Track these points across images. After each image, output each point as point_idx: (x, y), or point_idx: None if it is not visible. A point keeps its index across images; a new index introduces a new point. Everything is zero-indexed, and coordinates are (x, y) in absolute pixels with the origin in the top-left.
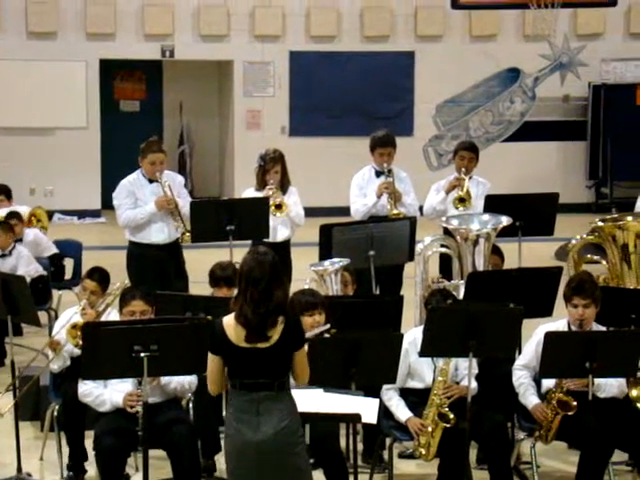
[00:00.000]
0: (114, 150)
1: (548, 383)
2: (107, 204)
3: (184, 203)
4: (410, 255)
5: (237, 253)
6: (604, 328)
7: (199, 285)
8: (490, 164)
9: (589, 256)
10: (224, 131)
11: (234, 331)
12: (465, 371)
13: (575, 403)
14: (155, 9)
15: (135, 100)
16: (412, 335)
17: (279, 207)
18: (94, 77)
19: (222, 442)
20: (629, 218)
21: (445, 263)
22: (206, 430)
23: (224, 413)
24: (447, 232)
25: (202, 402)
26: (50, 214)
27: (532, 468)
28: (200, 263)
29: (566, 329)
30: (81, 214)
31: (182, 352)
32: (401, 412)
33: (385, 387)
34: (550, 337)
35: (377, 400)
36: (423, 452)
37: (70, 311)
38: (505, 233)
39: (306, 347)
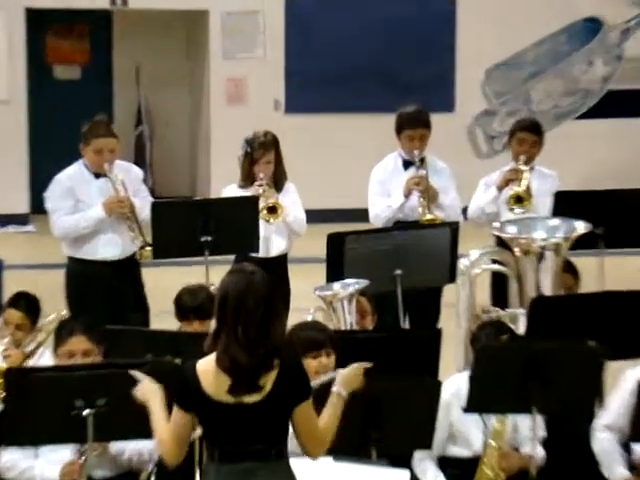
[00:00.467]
0: (47, 133)
1: None
2: (37, 207)
3: (143, 205)
4: (451, 275)
5: (215, 273)
6: None
7: (163, 317)
8: (560, 149)
9: None
10: (196, 107)
11: (213, 381)
12: (527, 433)
13: None
14: None
15: (75, 65)
16: (454, 384)
17: (272, 210)
18: (18, 33)
19: None
20: None
21: (499, 285)
22: None
23: None
24: (501, 243)
25: (167, 477)
26: None
27: None
28: (165, 287)
29: None
30: (1, 221)
31: (139, 409)
32: None
33: (418, 455)
34: None
35: (407, 473)
36: None
37: None
38: (581, 244)
39: (338, 412)
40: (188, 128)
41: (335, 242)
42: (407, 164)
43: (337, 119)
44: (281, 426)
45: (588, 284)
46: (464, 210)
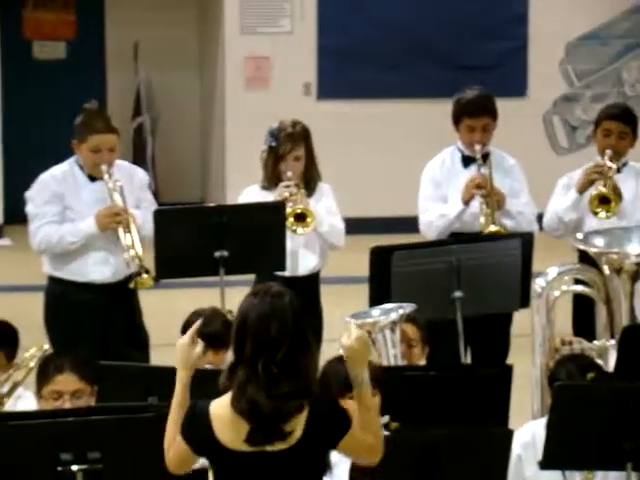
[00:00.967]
0: (25, 127)
1: None
2: (13, 217)
3: (145, 218)
4: (523, 298)
5: (232, 296)
6: None
7: (167, 350)
8: None
9: None
10: (208, 92)
11: (229, 426)
12: None
13: None
14: None
15: (59, 41)
16: (528, 433)
17: (302, 218)
18: None
19: None
20: None
21: (583, 311)
22: None
23: None
24: (586, 258)
25: None
26: None
27: None
28: (169, 314)
29: None
30: None
31: (141, 464)
32: None
33: None
34: None
35: None
36: None
37: None
38: None
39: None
40: (198, 118)
41: (380, 259)
42: (468, 161)
43: (380, 106)
44: (313, 475)
45: None
46: (539, 218)
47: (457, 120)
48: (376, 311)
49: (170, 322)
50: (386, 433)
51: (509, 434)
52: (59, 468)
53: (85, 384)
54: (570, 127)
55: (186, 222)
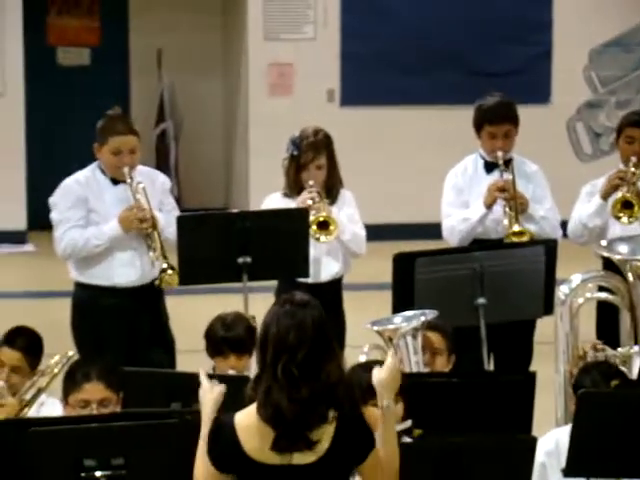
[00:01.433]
0: (49, 132)
1: None
2: (37, 223)
3: (168, 221)
4: (546, 305)
5: (255, 302)
6: None
7: (191, 356)
8: None
9: None
10: (231, 99)
11: (255, 435)
12: None
13: None
14: None
15: (83, 47)
16: (552, 440)
17: (325, 226)
18: (13, 10)
19: None
20: None
21: (607, 318)
22: None
23: None
24: (610, 265)
25: None
26: None
27: None
28: (193, 320)
29: None
30: None
31: (164, 470)
32: None
33: None
34: None
35: None
36: None
37: None
38: None
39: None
40: (222, 125)
41: (403, 265)
42: (490, 167)
43: (404, 113)
44: None
45: None
46: (563, 225)
47: (478, 127)
48: (398, 318)
49: (193, 328)
50: (409, 440)
51: (533, 442)
52: (82, 474)
53: (112, 392)
54: (594, 134)
55: (209, 228)
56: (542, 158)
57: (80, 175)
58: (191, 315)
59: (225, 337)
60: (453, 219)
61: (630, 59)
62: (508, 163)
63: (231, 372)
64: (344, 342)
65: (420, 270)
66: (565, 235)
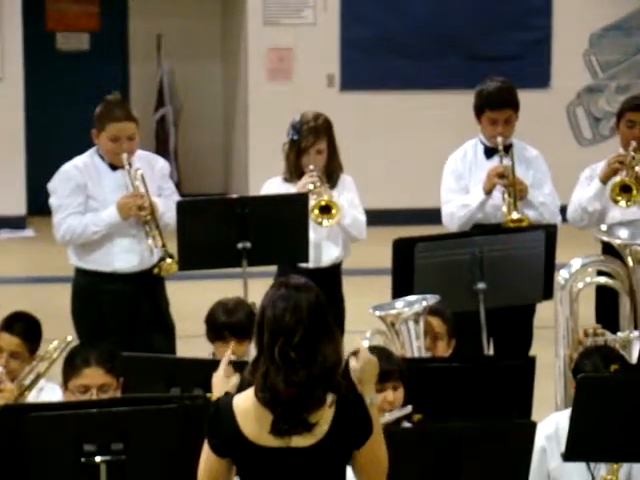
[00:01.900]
0: (48, 117)
1: None
2: (36, 208)
3: (167, 207)
4: (546, 290)
5: (255, 288)
6: None
7: (190, 342)
8: None
9: None
10: (231, 84)
11: (253, 419)
12: None
13: None
14: None
15: (82, 32)
16: (552, 424)
17: (327, 210)
18: None
19: None
20: None
21: (606, 302)
22: None
23: None
24: (610, 250)
25: None
26: None
27: None
28: (193, 305)
29: None
30: None
31: (164, 455)
32: None
33: None
34: None
35: None
36: None
37: None
38: None
39: (380, 429)
40: (221, 110)
41: (402, 250)
42: (490, 152)
43: (403, 98)
44: (336, 476)
45: None
46: (562, 209)
47: (479, 112)
48: (399, 303)
49: (193, 314)
50: (409, 424)
51: (532, 426)
52: (82, 459)
53: (111, 377)
54: (594, 118)
55: (209, 213)
56: (542, 143)
57: (79, 161)
58: (190, 301)
59: (226, 322)
60: (453, 205)
61: (630, 43)
62: (508, 149)
63: (231, 357)
64: (344, 328)
65: (420, 255)
66: (565, 220)
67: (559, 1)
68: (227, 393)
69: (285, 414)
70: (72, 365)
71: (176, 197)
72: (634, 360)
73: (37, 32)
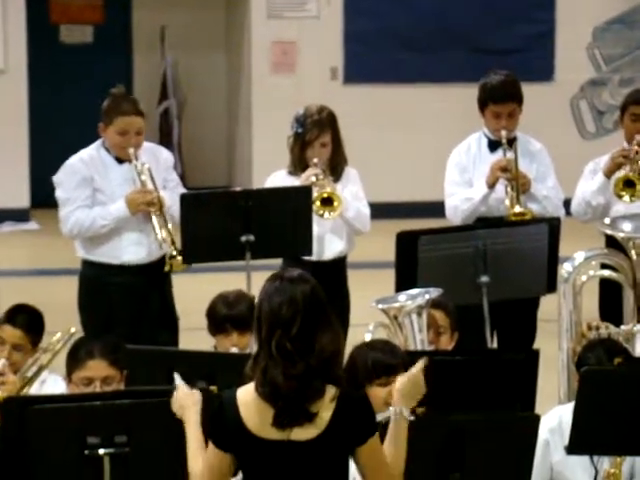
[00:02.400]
0: (51, 110)
1: None
2: (40, 200)
3: (173, 198)
4: (549, 283)
5: (258, 280)
6: None
7: (192, 334)
8: None
9: None
10: (235, 76)
11: (255, 412)
12: None
13: None
14: None
15: (86, 25)
16: (555, 418)
17: (329, 202)
18: None
19: None
20: None
21: (610, 296)
22: None
23: None
24: (613, 243)
25: None
26: None
27: None
28: (195, 298)
29: None
30: None
31: (168, 448)
32: None
33: None
34: None
35: None
36: None
37: None
38: None
39: (404, 440)
40: (225, 103)
41: (406, 243)
42: (494, 145)
43: (407, 91)
44: (338, 471)
45: None
46: (566, 203)
47: (483, 106)
48: (403, 296)
49: (196, 306)
50: (412, 417)
51: (536, 419)
52: (86, 452)
53: (115, 370)
54: (597, 112)
55: (212, 206)
56: (545, 136)
57: (84, 154)
58: (193, 294)
59: (228, 315)
60: (456, 198)
61: (634, 37)
62: (512, 142)
63: (233, 350)
64: (348, 321)
65: (423, 248)
66: (568, 213)
67: None
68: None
69: (286, 407)
70: (76, 357)
71: (181, 189)
72: (638, 353)
73: (41, 24)
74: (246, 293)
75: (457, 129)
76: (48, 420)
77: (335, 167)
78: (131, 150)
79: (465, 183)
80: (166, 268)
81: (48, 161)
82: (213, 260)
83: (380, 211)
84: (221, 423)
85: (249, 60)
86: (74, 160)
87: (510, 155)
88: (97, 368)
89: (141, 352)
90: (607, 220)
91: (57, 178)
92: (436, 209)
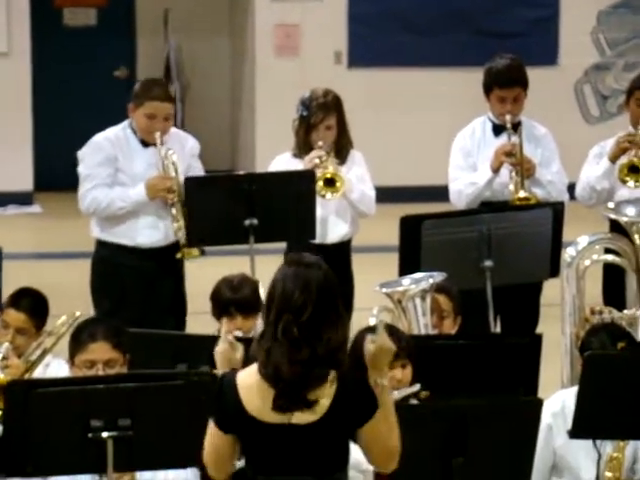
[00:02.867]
0: (55, 93)
1: None
2: (43, 183)
3: None
4: (553, 267)
5: (262, 264)
6: None
7: (196, 317)
8: None
9: None
10: (238, 60)
11: (256, 395)
12: None
13: None
14: None
15: (89, 7)
16: (558, 402)
17: (331, 183)
18: None
19: None
20: None
21: (613, 280)
22: None
23: None
24: (617, 227)
25: None
26: None
27: None
28: (198, 282)
29: None
30: (0, 200)
31: (171, 431)
32: None
33: None
34: None
35: None
36: None
37: None
38: None
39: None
40: (228, 86)
41: (410, 227)
42: (499, 129)
43: (411, 74)
44: (338, 453)
45: None
46: (570, 187)
47: (488, 90)
48: (406, 280)
49: (199, 290)
50: (416, 402)
51: (539, 403)
52: (90, 435)
53: (118, 353)
54: (601, 96)
55: (216, 190)
56: (549, 120)
57: (110, 132)
58: (197, 277)
59: (232, 298)
60: (460, 183)
61: (638, 21)
62: (517, 126)
63: (238, 333)
64: (352, 305)
65: (427, 232)
66: (572, 198)
67: None
68: (233, 369)
69: (286, 390)
70: (78, 340)
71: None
72: None
73: (44, 8)
74: (250, 277)
75: (461, 113)
76: (52, 403)
77: (340, 150)
78: (157, 134)
79: (469, 167)
80: (178, 255)
81: (52, 144)
82: (217, 244)
83: (383, 195)
84: (221, 406)
85: (252, 43)
86: (100, 138)
87: (515, 139)
88: (99, 351)
89: (144, 335)
90: (611, 204)
91: (81, 153)
92: (440, 193)
